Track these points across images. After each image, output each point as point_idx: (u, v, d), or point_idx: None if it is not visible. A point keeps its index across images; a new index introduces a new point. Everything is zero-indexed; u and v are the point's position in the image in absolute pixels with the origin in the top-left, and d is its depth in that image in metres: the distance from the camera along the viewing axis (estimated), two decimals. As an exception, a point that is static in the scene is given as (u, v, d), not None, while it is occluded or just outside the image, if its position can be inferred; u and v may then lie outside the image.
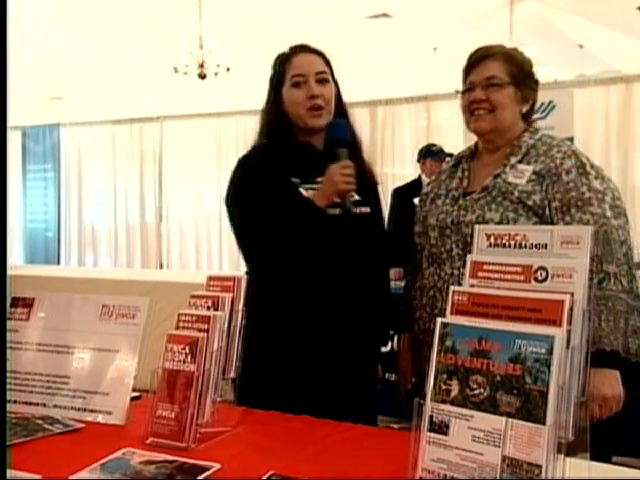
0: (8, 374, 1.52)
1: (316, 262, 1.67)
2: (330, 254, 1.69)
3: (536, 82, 1.79)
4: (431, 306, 1.76)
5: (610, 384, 1.51)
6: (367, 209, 1.79)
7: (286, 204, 1.68)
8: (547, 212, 1.65)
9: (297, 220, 1.67)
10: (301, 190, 1.72)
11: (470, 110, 1.76)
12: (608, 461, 1.09)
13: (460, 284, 1.65)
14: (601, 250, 1.53)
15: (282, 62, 1.82)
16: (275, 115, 1.82)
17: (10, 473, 1.09)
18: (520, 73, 1.74)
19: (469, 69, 1.77)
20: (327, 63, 1.83)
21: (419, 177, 5.21)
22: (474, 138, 1.88)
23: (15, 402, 1.48)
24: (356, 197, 1.74)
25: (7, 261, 1.52)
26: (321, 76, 1.78)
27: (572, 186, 1.64)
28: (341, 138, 1.73)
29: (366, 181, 1.82)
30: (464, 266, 1.66)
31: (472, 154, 1.86)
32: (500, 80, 1.72)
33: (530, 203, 1.65)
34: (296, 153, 1.76)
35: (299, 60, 1.80)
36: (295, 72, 1.78)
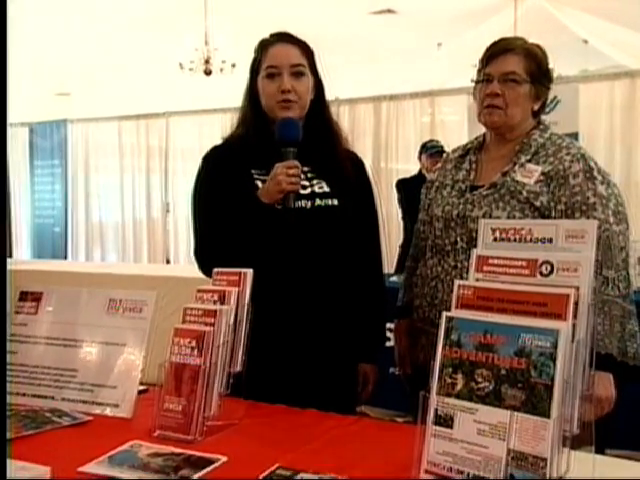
0: (17, 367, 1.53)
1: (255, 257, 1.59)
2: (269, 249, 1.66)
3: (550, 80, 1.77)
4: (432, 296, 1.76)
5: (604, 386, 1.51)
6: (335, 201, 1.74)
7: (233, 200, 1.68)
8: (553, 214, 1.65)
9: (240, 216, 1.67)
10: (258, 183, 1.71)
11: (484, 103, 1.74)
12: (602, 453, 1.12)
13: (463, 277, 1.66)
14: (602, 255, 1.54)
15: (260, 49, 1.78)
16: (250, 102, 1.80)
17: (18, 465, 1.10)
18: (538, 71, 1.73)
19: (488, 60, 1.74)
20: (307, 55, 1.76)
21: (419, 172, 5.33)
22: (479, 133, 1.88)
23: (24, 395, 1.50)
24: (309, 190, 1.72)
25: (6, 257, 1.52)
26: (296, 69, 1.73)
27: (578, 190, 1.64)
28: (291, 137, 1.68)
29: (342, 173, 1.77)
30: (468, 259, 1.67)
31: (480, 146, 1.84)
32: (519, 77, 1.70)
33: (537, 204, 1.66)
34: (262, 144, 1.73)
35: (275, 50, 1.75)
36: (269, 63, 1.74)
